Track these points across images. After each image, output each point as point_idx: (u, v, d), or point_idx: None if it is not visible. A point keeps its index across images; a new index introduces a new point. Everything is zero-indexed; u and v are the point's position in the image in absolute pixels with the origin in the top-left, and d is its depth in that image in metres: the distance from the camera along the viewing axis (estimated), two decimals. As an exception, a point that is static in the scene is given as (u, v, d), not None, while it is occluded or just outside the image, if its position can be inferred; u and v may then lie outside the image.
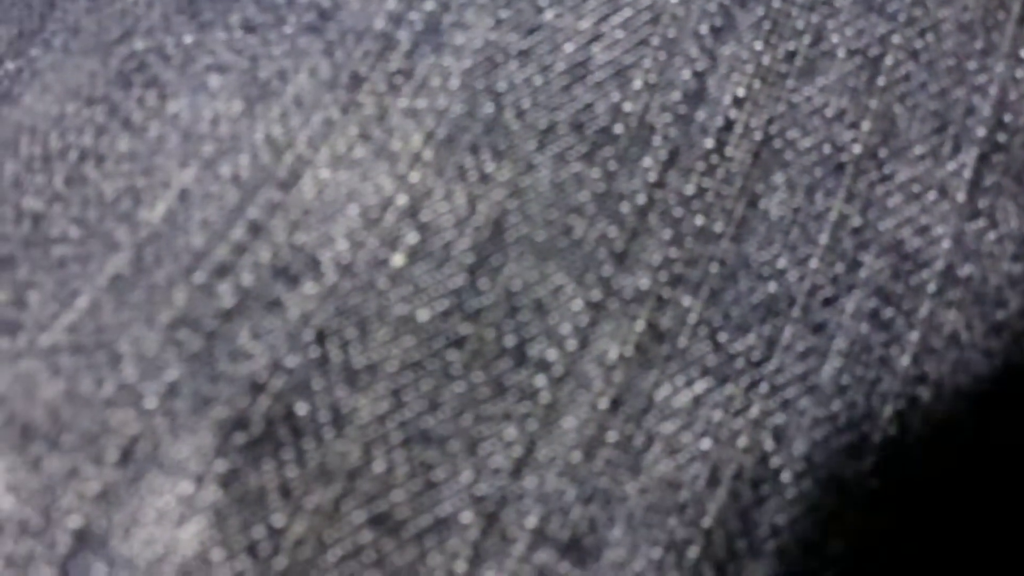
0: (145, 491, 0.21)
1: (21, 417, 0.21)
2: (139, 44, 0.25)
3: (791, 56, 0.26)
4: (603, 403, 0.23)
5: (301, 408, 0.22)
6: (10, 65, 0.27)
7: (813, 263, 0.25)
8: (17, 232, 0.24)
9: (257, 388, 0.22)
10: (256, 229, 0.23)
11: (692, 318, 0.24)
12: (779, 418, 0.23)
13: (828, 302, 0.24)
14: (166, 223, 0.23)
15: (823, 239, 0.25)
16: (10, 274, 0.23)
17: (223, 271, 0.23)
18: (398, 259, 0.23)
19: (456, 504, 0.22)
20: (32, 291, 0.23)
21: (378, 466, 0.22)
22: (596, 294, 0.23)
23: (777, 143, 0.25)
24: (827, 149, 0.25)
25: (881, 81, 0.26)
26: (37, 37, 0.27)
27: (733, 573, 0.22)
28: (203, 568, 0.20)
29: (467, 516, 0.22)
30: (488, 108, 0.24)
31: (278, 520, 0.21)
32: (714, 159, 0.25)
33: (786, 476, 0.23)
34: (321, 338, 0.22)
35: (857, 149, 0.26)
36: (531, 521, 0.22)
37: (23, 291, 0.23)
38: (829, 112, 0.26)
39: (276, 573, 0.21)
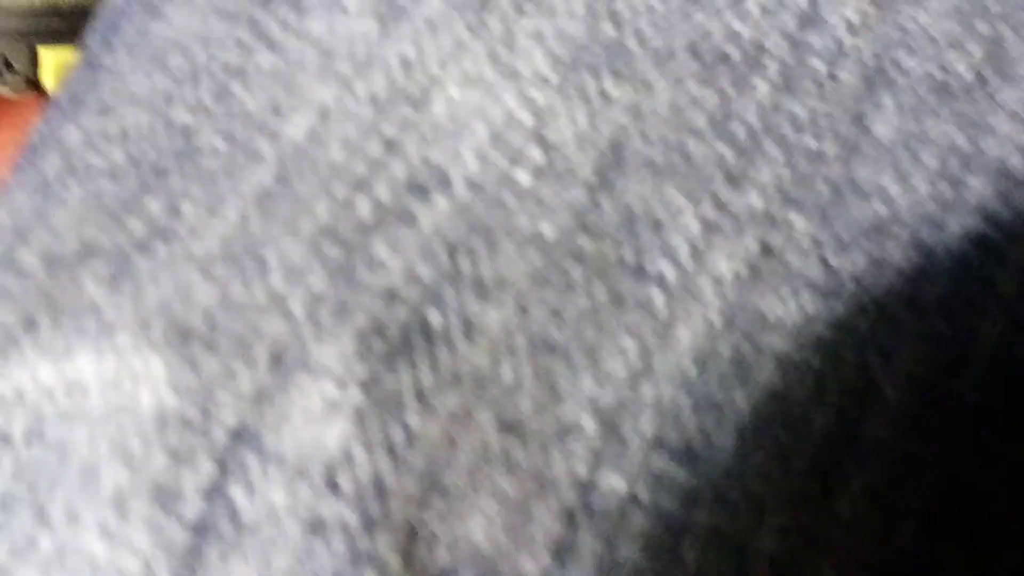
0: (293, 392, 0.22)
1: (180, 320, 0.23)
2: None
3: None
4: (716, 318, 0.24)
5: (434, 317, 0.23)
6: None
7: (920, 185, 0.25)
8: (169, 144, 0.25)
9: (394, 299, 0.23)
10: (391, 146, 0.24)
11: (802, 237, 0.25)
12: (884, 335, 0.24)
13: (934, 223, 0.25)
14: (307, 138, 0.25)
15: (930, 162, 0.26)
16: (164, 184, 0.25)
17: (361, 186, 0.24)
18: (524, 177, 0.24)
19: (577, 411, 0.23)
20: (185, 201, 0.24)
21: (506, 373, 0.23)
22: (710, 213, 0.24)
23: (889, 68, 0.26)
24: (937, 73, 0.26)
25: (992, 5, 0.27)
26: None
27: (837, 481, 0.23)
28: (346, 464, 0.22)
29: (588, 422, 0.23)
30: (609, 31, 0.25)
31: (413, 421, 0.22)
32: (825, 82, 0.26)
33: (890, 392, 0.24)
34: (453, 252, 0.24)
35: (966, 73, 0.26)
36: (647, 428, 0.23)
37: (177, 200, 0.24)
38: (939, 37, 0.26)
39: (412, 471, 0.22)
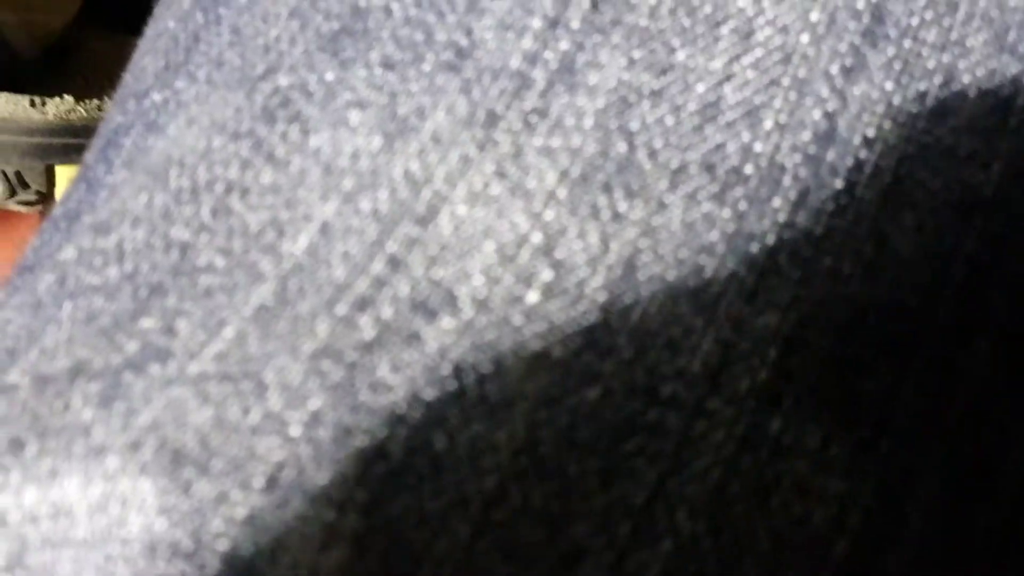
0: (290, 517, 0.22)
1: (172, 442, 0.22)
2: (283, 80, 0.26)
3: (922, 96, 0.26)
4: (732, 441, 0.23)
5: (439, 440, 0.22)
6: (156, 96, 0.28)
7: (943, 303, 0.25)
8: (166, 261, 0.25)
9: (397, 420, 0.22)
10: (395, 263, 0.24)
11: (820, 358, 0.24)
12: (907, 458, 0.24)
13: (957, 342, 0.25)
14: (308, 255, 0.24)
15: (952, 279, 0.25)
16: (160, 302, 0.24)
17: (364, 304, 0.23)
18: (533, 296, 0.24)
19: (589, 537, 0.22)
20: (181, 319, 0.24)
21: (513, 499, 0.22)
22: (726, 332, 0.24)
23: (907, 184, 0.25)
24: (957, 190, 0.26)
25: (1013, 122, 0.26)
26: (182, 69, 0.28)
27: None
28: None
29: (600, 549, 0.22)
30: (621, 147, 0.25)
31: (416, 549, 0.22)
32: (844, 199, 0.25)
33: (914, 519, 0.23)
34: (458, 372, 0.23)
35: (987, 190, 0.26)
36: (661, 552, 0.22)
37: (172, 319, 0.24)
38: (960, 153, 0.26)
39: None
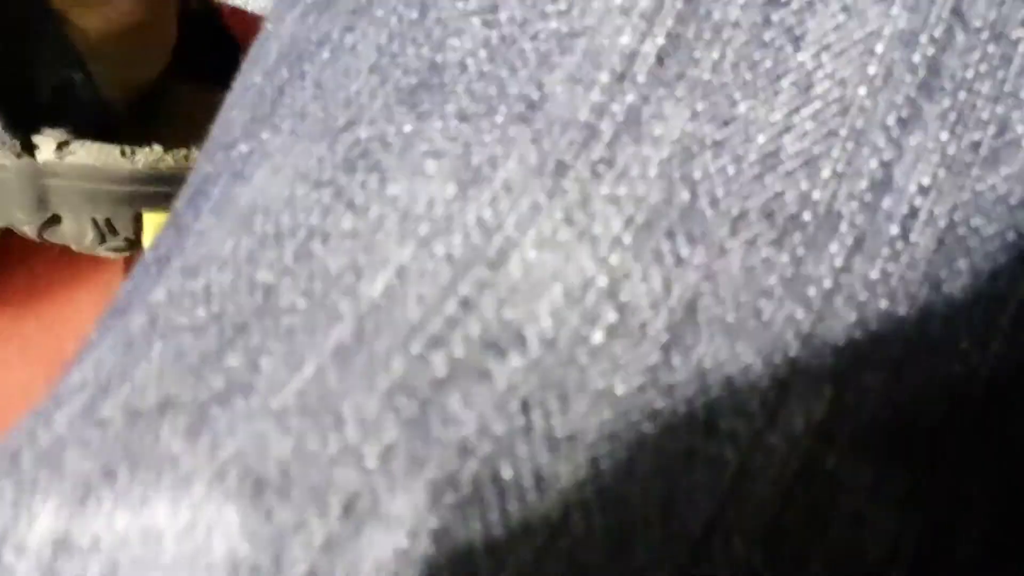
0: (365, 543, 0.23)
1: (255, 471, 0.23)
2: (363, 132, 0.27)
3: (976, 146, 0.27)
4: (788, 474, 0.24)
5: (506, 471, 0.23)
6: (243, 147, 0.29)
7: (995, 345, 0.25)
8: (250, 302, 0.26)
9: (466, 451, 0.23)
10: (467, 305, 0.25)
11: (874, 396, 0.25)
12: (958, 494, 0.24)
13: (1009, 383, 0.25)
14: (385, 297, 0.25)
15: (1005, 323, 0.26)
16: (244, 340, 0.25)
17: (437, 343, 0.25)
18: (598, 336, 0.25)
19: (649, 564, 0.23)
20: (264, 357, 0.25)
21: (577, 527, 0.23)
22: (783, 371, 0.25)
23: (961, 230, 0.26)
24: (1010, 236, 0.26)
25: None
26: (268, 121, 0.29)
27: None
28: None
29: (658, 573, 0.23)
30: (684, 195, 0.26)
31: (484, 574, 0.22)
32: (899, 245, 0.26)
33: (964, 548, 0.24)
34: (526, 407, 0.24)
35: None
36: None
37: (256, 356, 0.25)
38: (1013, 200, 0.27)
39: None
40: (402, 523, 0.23)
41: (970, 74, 0.27)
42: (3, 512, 0.24)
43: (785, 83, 0.27)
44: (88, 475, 0.24)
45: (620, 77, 0.27)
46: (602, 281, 0.25)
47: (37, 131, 0.64)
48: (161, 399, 0.25)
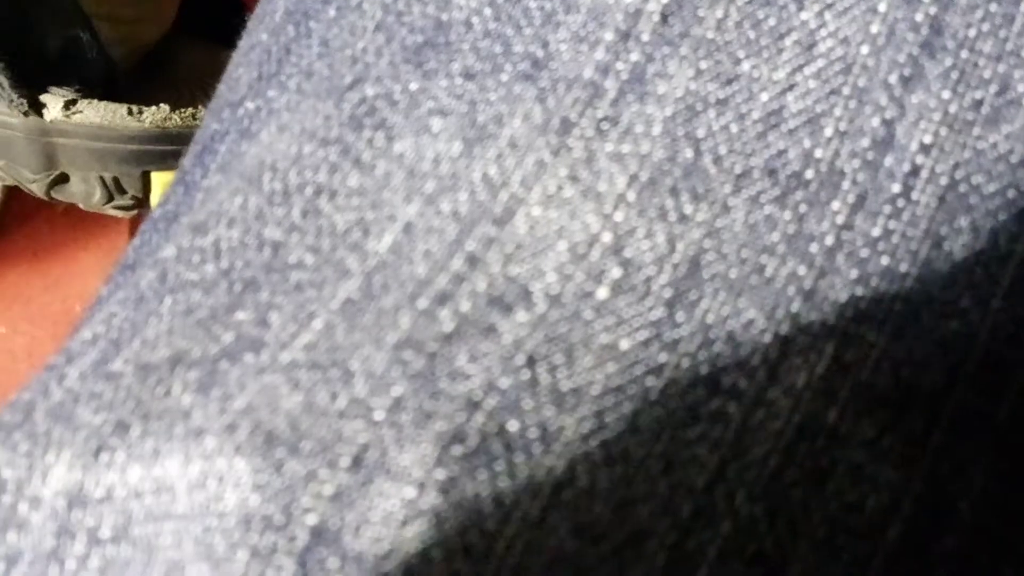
0: (374, 494, 0.23)
1: (265, 425, 0.24)
2: (369, 90, 0.28)
3: (978, 104, 0.27)
4: (790, 430, 0.24)
5: (512, 425, 0.24)
6: (250, 104, 0.30)
7: (995, 303, 0.26)
8: (259, 258, 0.26)
9: (473, 405, 0.24)
10: (473, 261, 0.25)
11: (875, 353, 0.25)
12: (958, 450, 0.24)
13: (1008, 341, 0.25)
14: (392, 253, 0.25)
15: (1005, 280, 0.26)
16: (254, 296, 0.26)
17: (444, 298, 0.25)
18: (603, 292, 0.25)
19: (652, 518, 0.23)
20: (273, 312, 0.25)
21: (581, 481, 0.23)
22: (785, 327, 0.25)
23: (962, 188, 0.26)
24: (1011, 194, 0.26)
25: None
26: (274, 79, 0.30)
27: None
28: (424, 565, 0.22)
29: (662, 526, 0.23)
30: (688, 153, 0.26)
31: (490, 525, 0.23)
32: (900, 203, 0.26)
33: (964, 507, 0.24)
34: (531, 362, 0.24)
35: None
36: (721, 534, 0.23)
37: (265, 312, 0.25)
38: (1014, 158, 0.27)
39: (488, 573, 0.23)
40: (410, 475, 0.23)
41: (972, 33, 0.27)
42: (18, 465, 0.25)
43: (788, 42, 0.27)
44: (101, 428, 0.24)
45: (624, 35, 0.27)
46: (607, 238, 0.25)
47: (44, 90, 0.64)
48: (172, 354, 0.25)
